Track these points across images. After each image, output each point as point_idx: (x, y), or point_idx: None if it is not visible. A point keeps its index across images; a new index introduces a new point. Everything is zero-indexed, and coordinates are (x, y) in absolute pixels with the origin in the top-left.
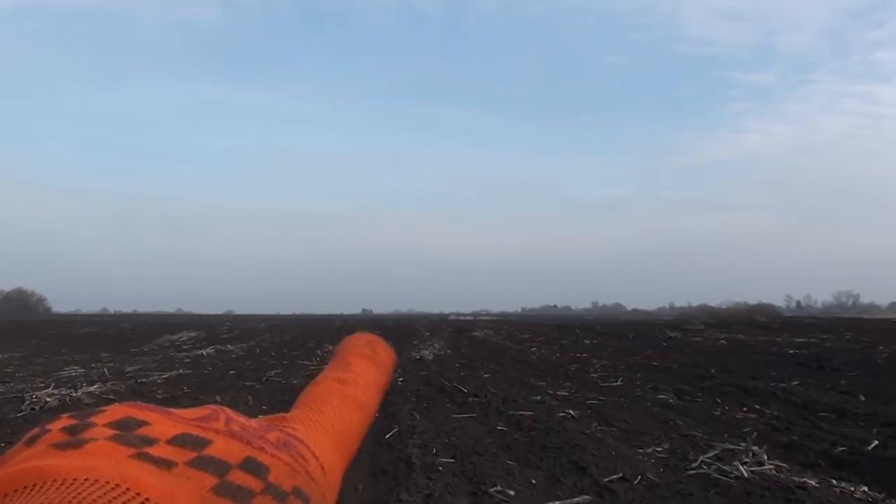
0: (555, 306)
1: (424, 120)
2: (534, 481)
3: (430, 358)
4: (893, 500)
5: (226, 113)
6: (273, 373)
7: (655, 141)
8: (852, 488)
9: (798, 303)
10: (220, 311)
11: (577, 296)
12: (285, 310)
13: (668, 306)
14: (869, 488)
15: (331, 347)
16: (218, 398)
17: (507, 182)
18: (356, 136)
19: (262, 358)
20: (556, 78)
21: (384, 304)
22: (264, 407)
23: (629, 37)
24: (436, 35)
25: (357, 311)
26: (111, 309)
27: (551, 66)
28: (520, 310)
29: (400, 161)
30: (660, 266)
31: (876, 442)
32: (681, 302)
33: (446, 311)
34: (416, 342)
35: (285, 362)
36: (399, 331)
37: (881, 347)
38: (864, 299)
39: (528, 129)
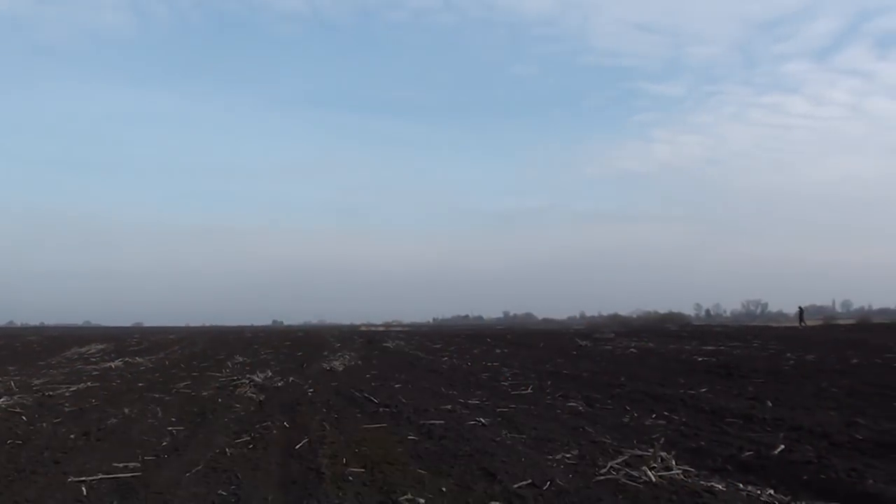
0: (466, 316)
1: (336, 129)
2: (444, 489)
3: (341, 369)
4: (799, 503)
5: (134, 123)
6: (182, 384)
7: (566, 152)
8: (759, 491)
9: (707, 311)
10: (129, 324)
11: (488, 306)
12: (195, 322)
13: (578, 316)
14: (775, 491)
15: (241, 359)
16: (126, 410)
17: (418, 192)
18: (268, 145)
19: (172, 370)
20: (467, 88)
21: (295, 315)
22: (173, 419)
23: (539, 48)
24: (347, 44)
25: (268, 322)
26: (18, 322)
27: (462, 75)
28: (431, 320)
29: (311, 171)
30: (571, 276)
31: (782, 446)
32: (591, 311)
33: (357, 322)
34: (326, 353)
35: (195, 374)
36: (309, 342)
37: (788, 354)
38: (772, 307)
39: (438, 139)
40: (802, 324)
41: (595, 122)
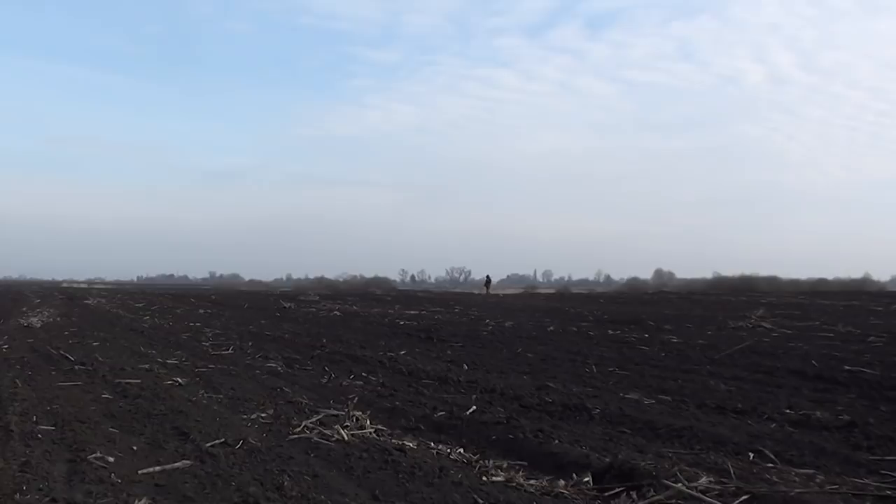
0: (172, 275)
1: (40, 78)
2: (135, 448)
3: (39, 325)
4: (487, 460)
5: None
6: None
7: (280, 113)
8: (449, 450)
9: (413, 277)
10: None
11: (194, 265)
12: None
13: (285, 278)
14: (465, 449)
15: None
16: None
17: (123, 145)
18: None
19: None
20: (180, 42)
21: None
22: None
23: (255, 4)
24: None
25: None
26: None
27: (176, 29)
28: (136, 279)
29: (14, 121)
30: (279, 238)
31: (474, 407)
32: (298, 274)
33: (60, 278)
34: (24, 309)
35: None
36: (7, 296)
37: (488, 321)
38: (476, 275)
39: (150, 93)
40: (486, 291)
41: (311, 84)
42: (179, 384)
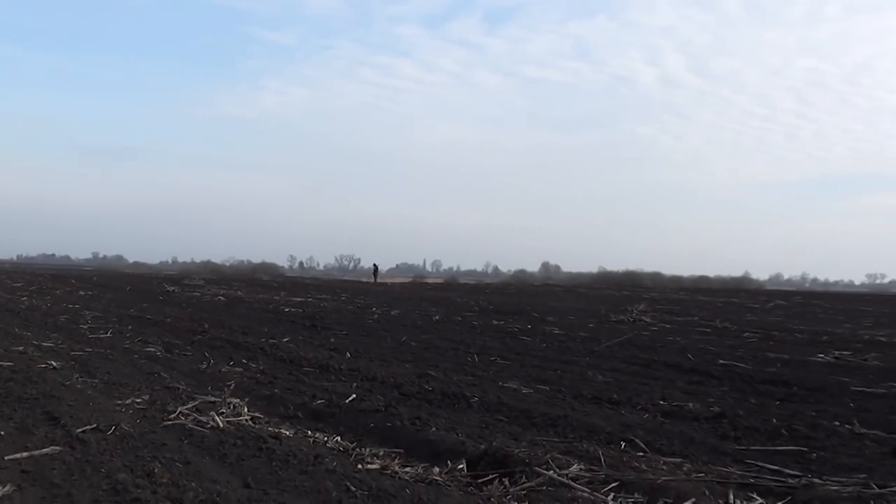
0: (53, 255)
1: None
2: (2, 433)
3: None
4: (363, 448)
5: None
6: None
7: (172, 92)
8: (326, 438)
9: (301, 264)
10: None
11: (77, 246)
12: None
13: (171, 261)
14: (342, 437)
15: None
16: None
17: (5, 118)
18: None
19: None
20: (72, 14)
21: None
22: None
23: None
24: None
25: None
26: None
27: (67, 2)
28: (15, 257)
29: None
30: (166, 220)
31: (354, 395)
32: (185, 257)
33: None
34: None
35: None
36: None
37: (374, 309)
38: (365, 263)
39: (37, 65)
40: (374, 280)
41: (206, 63)
42: (54, 367)
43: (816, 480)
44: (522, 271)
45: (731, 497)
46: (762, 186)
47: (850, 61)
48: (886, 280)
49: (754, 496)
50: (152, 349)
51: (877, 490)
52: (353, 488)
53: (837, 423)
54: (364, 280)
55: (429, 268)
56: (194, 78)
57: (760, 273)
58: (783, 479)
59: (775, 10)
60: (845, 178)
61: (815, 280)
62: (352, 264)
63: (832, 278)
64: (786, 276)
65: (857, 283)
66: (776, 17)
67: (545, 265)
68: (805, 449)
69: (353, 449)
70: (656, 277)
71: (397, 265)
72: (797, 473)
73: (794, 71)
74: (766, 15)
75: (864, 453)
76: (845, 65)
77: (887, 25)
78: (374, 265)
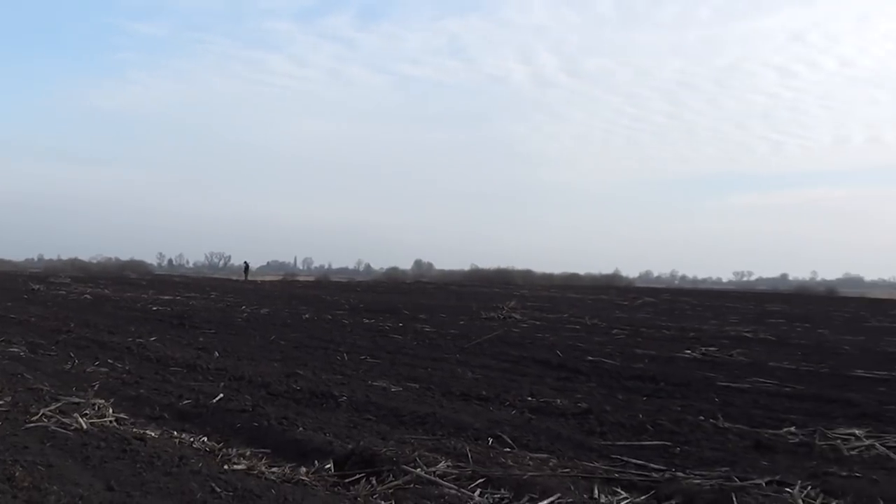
0: None
1: None
2: None
3: None
4: (230, 449)
5: None
6: None
7: (37, 83)
8: (192, 439)
9: (170, 261)
10: None
11: None
12: None
13: (36, 258)
14: (209, 438)
15: None
16: None
17: None
18: None
19: None
20: None
21: None
22: None
23: None
24: None
25: None
26: None
27: None
28: None
29: None
30: (31, 216)
31: (221, 395)
32: (51, 255)
33: None
34: None
35: None
36: None
37: (244, 307)
38: (236, 261)
39: None
40: (245, 277)
41: (72, 54)
42: None
43: (680, 474)
44: (395, 269)
45: (596, 492)
46: (632, 185)
47: (720, 63)
48: (753, 278)
49: (619, 490)
50: (16, 349)
51: (738, 483)
52: (219, 489)
53: (702, 418)
54: (234, 278)
55: (300, 266)
56: (61, 70)
57: (630, 271)
58: (647, 474)
59: (646, 13)
60: (714, 178)
61: (683, 277)
62: (222, 262)
63: (701, 276)
64: (655, 274)
65: (724, 280)
66: (647, 19)
67: (418, 263)
68: (670, 443)
69: (220, 449)
70: (527, 275)
71: (268, 263)
72: (661, 468)
73: (665, 72)
74: (637, 17)
75: (727, 447)
76: (715, 67)
77: (756, 28)
78: (245, 263)
